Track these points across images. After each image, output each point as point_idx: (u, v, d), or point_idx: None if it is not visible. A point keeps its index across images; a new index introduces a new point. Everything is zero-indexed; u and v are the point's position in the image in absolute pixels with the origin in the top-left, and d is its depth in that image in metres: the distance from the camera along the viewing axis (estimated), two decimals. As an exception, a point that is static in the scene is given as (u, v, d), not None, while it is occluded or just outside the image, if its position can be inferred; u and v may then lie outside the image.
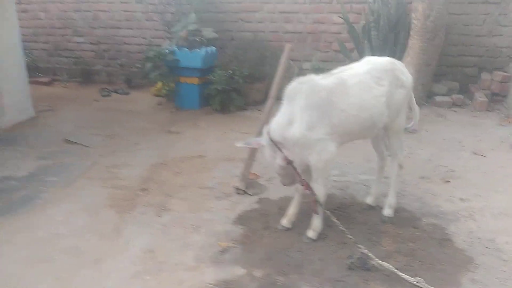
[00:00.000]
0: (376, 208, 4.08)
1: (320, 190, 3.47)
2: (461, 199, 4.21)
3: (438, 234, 3.66)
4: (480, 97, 6.62)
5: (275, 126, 3.41)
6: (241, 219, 3.94)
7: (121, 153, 5.56)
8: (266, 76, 7.31)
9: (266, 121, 4.42)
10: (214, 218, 3.98)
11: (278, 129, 3.38)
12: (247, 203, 4.24)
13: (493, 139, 5.62)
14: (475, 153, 5.24)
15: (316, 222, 3.57)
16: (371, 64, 3.55)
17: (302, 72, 8.08)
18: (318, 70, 7.79)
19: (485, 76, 6.91)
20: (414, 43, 6.50)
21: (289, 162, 3.47)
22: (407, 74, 3.68)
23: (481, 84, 6.93)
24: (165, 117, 7.02)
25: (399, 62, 3.73)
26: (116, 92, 8.48)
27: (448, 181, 4.57)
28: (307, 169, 3.55)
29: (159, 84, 7.74)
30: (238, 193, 4.40)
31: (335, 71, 3.58)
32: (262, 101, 7.43)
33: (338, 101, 3.33)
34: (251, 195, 4.36)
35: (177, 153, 5.50)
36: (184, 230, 3.80)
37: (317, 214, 3.52)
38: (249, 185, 4.45)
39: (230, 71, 6.93)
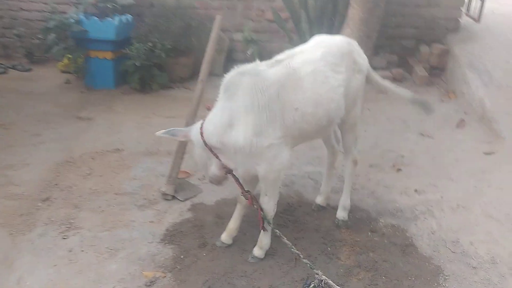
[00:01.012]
0: (327, 208, 3.56)
1: (269, 205, 2.86)
2: (416, 191, 3.83)
3: (399, 238, 3.23)
4: (420, 71, 6.33)
5: (210, 128, 2.69)
6: (171, 235, 3.21)
7: (17, 148, 4.50)
8: (193, 49, 6.44)
9: (196, 109, 3.68)
10: (136, 237, 3.21)
11: (215, 131, 2.67)
12: (177, 211, 3.50)
13: (437, 118, 5.31)
14: (422, 134, 4.92)
15: (264, 239, 2.95)
16: (324, 47, 2.90)
17: (233, 45, 7.36)
18: (251, 42, 7.09)
19: (423, 49, 6.62)
20: (354, 13, 5.96)
21: (229, 172, 2.79)
22: (363, 55, 3.10)
23: (419, 57, 6.64)
24: (74, 99, 5.92)
25: (354, 41, 3.12)
26: (14, 68, 7.06)
27: (400, 169, 4.18)
28: (252, 179, 2.90)
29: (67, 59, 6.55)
30: (166, 199, 3.64)
31: (281, 56, 2.89)
32: (190, 77, 6.61)
33: (290, 97, 2.68)
34: (181, 200, 3.62)
35: (87, 146, 4.55)
36: (97, 257, 3.00)
37: (265, 231, 2.88)
38: (178, 187, 3.70)
39: (150, 44, 5.95)
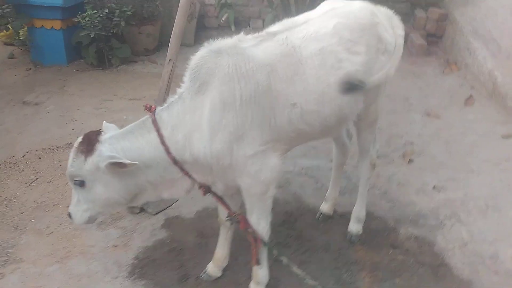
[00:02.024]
0: (334, 217, 2.91)
1: (260, 227, 2.13)
2: (435, 188, 3.23)
3: (427, 256, 2.63)
4: (417, 39, 5.65)
5: (180, 138, 1.91)
6: (141, 266, 2.49)
7: None
8: (159, 15, 5.53)
9: (164, 94, 2.90)
10: (96, 270, 2.47)
11: (187, 142, 1.90)
12: (148, 230, 2.77)
13: (441, 93, 4.72)
14: (428, 114, 4.30)
15: (260, 272, 2.26)
16: (338, 17, 2.13)
17: (204, 10, 6.46)
18: (225, 6, 6.18)
19: (419, 13, 5.93)
20: (346, -28, 5.17)
21: (208, 191, 2.07)
22: (392, 31, 2.31)
23: (415, 23, 5.95)
24: (19, 78, 4.97)
25: (383, 9, 2.36)
26: None
27: (411, 160, 3.56)
28: (233, 192, 2.20)
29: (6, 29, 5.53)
30: (133, 213, 2.89)
31: (275, 28, 2.13)
32: (156, 48, 5.71)
33: (285, 88, 1.94)
34: (152, 214, 2.88)
35: (33, 141, 3.71)
36: (43, 304, 2.26)
37: (259, 264, 2.20)
38: (148, 196, 2.95)
39: (107, 10, 4.99)
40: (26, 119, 4.11)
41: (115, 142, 1.90)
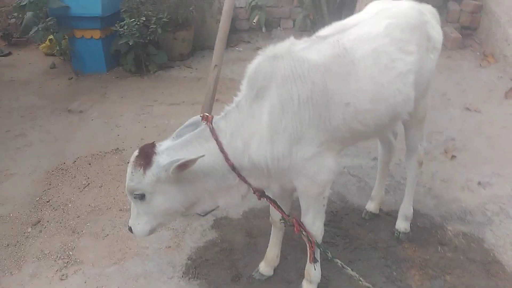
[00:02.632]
0: (380, 215, 2.93)
1: (315, 226, 2.18)
2: (480, 184, 3.20)
3: (477, 253, 2.61)
4: (452, 32, 5.57)
5: (239, 145, 1.95)
6: (195, 266, 2.58)
7: (-3, 153, 3.82)
8: (192, 20, 5.64)
9: (211, 101, 2.98)
10: (152, 270, 2.57)
11: (246, 149, 1.95)
12: (198, 231, 2.86)
13: (479, 87, 4.65)
14: (467, 109, 4.24)
15: (313, 271, 2.31)
16: (388, 18, 2.15)
17: (235, 12, 6.52)
18: (256, 8, 6.27)
19: (453, 6, 5.84)
20: (377, -32, 5.14)
21: (262, 195, 2.13)
22: (438, 27, 2.36)
23: (448, 16, 5.86)
24: (62, 88, 5.19)
25: (429, 7, 2.38)
26: (-11, 52, 6.30)
27: (454, 156, 3.52)
28: (289, 193, 2.26)
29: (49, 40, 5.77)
30: (183, 214, 2.98)
31: (326, 31, 2.16)
32: (191, 53, 5.85)
33: (339, 88, 1.96)
34: (201, 215, 2.97)
35: (82, 148, 3.87)
36: (105, 304, 2.38)
37: (315, 262, 2.24)
38: (196, 198, 3.04)
39: (143, 18, 5.15)
40: (72, 126, 4.29)
41: (172, 153, 1.94)
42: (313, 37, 2.13)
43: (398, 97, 2.08)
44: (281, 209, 2.20)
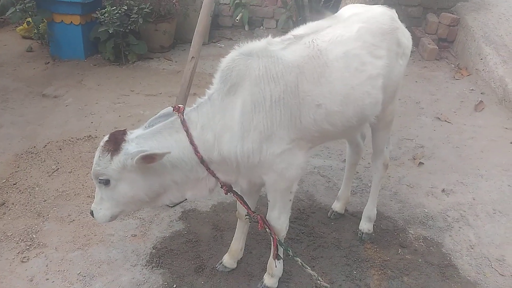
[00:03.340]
0: (345, 215, 3.00)
1: (280, 221, 2.23)
2: (444, 191, 3.30)
3: (435, 256, 2.70)
4: (429, 43, 5.71)
5: (210, 138, 1.98)
6: (159, 256, 2.59)
7: (-34, 134, 3.74)
8: (175, 13, 5.62)
9: (187, 92, 2.99)
10: (115, 257, 2.57)
11: (216, 142, 1.98)
12: (166, 221, 2.87)
13: (451, 98, 4.78)
14: (438, 118, 4.36)
15: (276, 266, 2.35)
16: (361, 22, 2.21)
17: (219, 9, 6.53)
18: (240, 5, 6.28)
19: (431, 18, 5.99)
20: (361, -25, 5.23)
21: (229, 190, 2.16)
22: (408, 34, 2.43)
23: (426, 27, 6.01)
24: (37, 71, 5.09)
25: (395, 13, 2.44)
26: (-37, 31, 6.13)
27: (421, 163, 3.63)
28: (256, 189, 2.31)
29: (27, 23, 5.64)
30: (151, 205, 2.99)
31: (301, 31, 2.19)
32: (171, 46, 5.82)
33: (312, 90, 2.00)
34: (170, 206, 2.98)
35: (54, 133, 3.82)
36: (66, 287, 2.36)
37: (278, 260, 2.28)
38: (165, 189, 3.05)
39: (125, 7, 5.10)
40: (46, 111, 4.22)
41: (142, 142, 1.95)
42: (289, 36, 2.16)
43: (367, 99, 2.14)
44: (247, 205, 2.23)
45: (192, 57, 2.97)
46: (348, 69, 2.09)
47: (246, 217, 2.28)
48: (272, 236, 2.19)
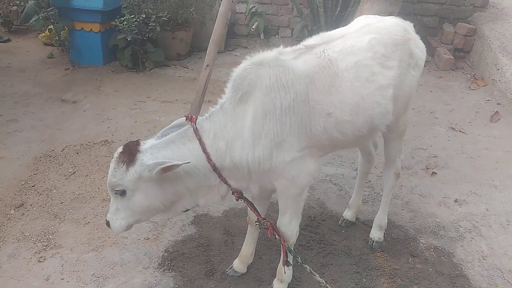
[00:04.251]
0: (356, 224, 3.00)
1: (290, 227, 2.25)
2: (457, 201, 3.28)
3: (446, 266, 2.69)
4: (445, 53, 5.69)
5: (222, 146, 2.02)
6: (171, 259, 2.64)
7: (-12, 137, 3.86)
8: (192, 21, 5.73)
9: (201, 99, 3.05)
10: (128, 260, 2.63)
11: (229, 150, 2.02)
12: (178, 225, 2.92)
13: (467, 108, 4.75)
14: (453, 129, 4.34)
15: (286, 272, 2.37)
16: (373, 33, 2.23)
17: (235, 18, 6.62)
18: (255, 15, 6.38)
19: (447, 28, 5.97)
20: (376, -14, 5.26)
21: (241, 197, 2.21)
22: (422, 45, 2.45)
23: (442, 37, 6.00)
24: (58, 77, 5.23)
25: (410, 25, 2.46)
26: (-12, 38, 6.33)
27: (434, 173, 3.61)
28: (267, 194, 2.34)
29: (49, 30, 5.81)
30: (164, 209, 3.04)
31: (313, 41, 2.22)
32: (188, 54, 5.92)
33: (322, 98, 2.03)
34: (182, 211, 3.02)
35: (72, 137, 3.92)
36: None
37: (288, 266, 2.31)
38: (178, 194, 3.10)
39: (143, 15, 5.22)
40: (64, 116, 4.33)
41: (156, 152, 1.99)
42: (301, 45, 2.19)
43: (377, 109, 2.16)
44: (257, 212, 2.27)
45: (207, 65, 3.04)
46: (359, 79, 2.11)
47: (256, 223, 2.32)
48: (282, 243, 2.21)
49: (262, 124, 1.97)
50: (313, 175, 2.15)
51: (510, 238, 2.94)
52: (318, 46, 2.15)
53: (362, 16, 2.47)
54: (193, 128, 2.03)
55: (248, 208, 2.32)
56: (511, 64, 5.00)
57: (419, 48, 2.39)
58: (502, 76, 4.98)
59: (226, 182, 2.09)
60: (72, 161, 3.54)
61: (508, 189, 3.42)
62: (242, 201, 2.24)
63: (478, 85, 5.28)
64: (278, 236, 2.21)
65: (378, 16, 2.42)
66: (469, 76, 5.54)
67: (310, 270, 2.23)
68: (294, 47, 2.17)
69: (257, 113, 1.97)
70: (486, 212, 3.18)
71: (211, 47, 3.04)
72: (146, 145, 2.04)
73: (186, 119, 2.08)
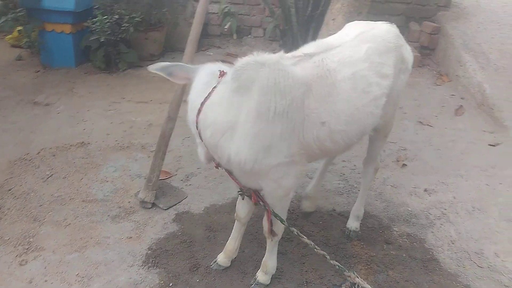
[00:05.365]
0: (334, 215, 3.13)
1: (277, 225, 2.35)
2: (426, 191, 3.46)
3: (418, 251, 2.84)
4: (412, 51, 5.88)
5: (210, 118, 2.04)
6: (155, 256, 2.68)
7: (-42, 141, 3.78)
8: (165, 22, 5.74)
9: (180, 99, 3.10)
10: (112, 259, 2.65)
11: (213, 127, 2.04)
12: (160, 223, 2.96)
13: (433, 103, 4.97)
14: (420, 122, 4.54)
15: (270, 262, 2.48)
16: (369, 41, 2.27)
17: (207, 18, 6.66)
18: (228, 15, 6.44)
19: (414, 26, 6.21)
20: (345, -14, 5.42)
21: (220, 165, 2.25)
22: (409, 49, 2.53)
23: (409, 36, 6.21)
24: (28, 80, 5.14)
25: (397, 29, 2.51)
26: (-49, 40, 6.15)
27: (405, 165, 3.78)
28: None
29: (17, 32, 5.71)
30: (145, 207, 3.08)
31: (311, 49, 2.25)
32: (161, 54, 5.93)
33: (318, 107, 2.07)
34: (164, 209, 3.08)
35: (46, 139, 3.88)
36: (64, 289, 2.44)
37: (274, 236, 2.40)
38: (159, 192, 3.14)
39: (116, 16, 5.21)
40: (38, 118, 4.28)
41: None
42: (300, 53, 2.22)
43: (370, 119, 2.24)
44: (238, 181, 2.25)
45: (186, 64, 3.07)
46: (355, 90, 2.15)
47: (239, 193, 2.37)
48: (267, 209, 2.26)
49: (253, 123, 1.97)
50: (300, 177, 2.20)
51: (475, 223, 3.12)
52: (317, 55, 2.17)
53: (353, 23, 2.53)
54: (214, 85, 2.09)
55: (237, 203, 2.44)
56: (473, 60, 5.26)
57: (408, 52, 2.48)
58: (465, 72, 5.23)
59: (207, 149, 2.15)
60: (48, 164, 3.52)
61: (472, 178, 3.62)
62: (222, 168, 2.25)
63: (443, 81, 5.53)
64: (262, 202, 2.25)
65: (370, 22, 2.48)
66: (434, 72, 5.78)
67: (297, 232, 2.27)
68: (293, 54, 2.21)
69: (250, 112, 1.97)
70: (454, 200, 3.36)
71: (189, 47, 3.09)
72: None
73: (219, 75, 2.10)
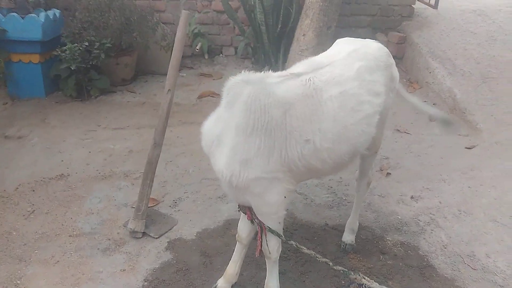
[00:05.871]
0: (327, 230, 3.13)
1: (271, 245, 2.30)
2: (413, 198, 3.53)
3: (413, 259, 2.88)
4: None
5: (206, 126, 2.23)
6: (151, 287, 2.60)
7: None
8: (135, 46, 5.67)
9: (165, 124, 3.05)
10: (107, 295, 2.55)
11: (206, 135, 2.21)
12: (153, 253, 2.88)
13: (407, 110, 5.07)
14: (398, 130, 4.65)
15: (271, 284, 2.44)
16: (360, 59, 2.29)
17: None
18: (198, 35, 6.45)
19: (380, 37, 6.40)
20: (313, 1, 5.54)
21: None
22: (396, 68, 2.58)
23: (377, 46, 6.40)
24: (-4, 113, 4.94)
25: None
26: None
27: (389, 173, 3.85)
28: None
29: (-20, 64, 5.49)
30: (135, 237, 2.99)
31: (301, 68, 2.28)
32: (133, 78, 5.85)
33: (300, 126, 2.08)
34: (155, 237, 3.00)
35: (23, 174, 3.73)
36: (60, 331, 2.32)
37: (268, 255, 2.37)
38: (148, 220, 3.06)
39: (86, 43, 5.10)
40: (11, 153, 4.11)
41: None
42: (287, 72, 2.24)
43: (362, 137, 2.24)
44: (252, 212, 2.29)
45: (169, 89, 3.05)
46: (343, 108, 2.15)
47: (238, 209, 2.40)
48: (261, 227, 2.24)
49: (231, 136, 2.05)
50: (286, 194, 2.16)
51: (464, 225, 3.20)
52: (306, 74, 2.19)
53: (343, 39, 2.57)
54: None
55: (239, 223, 2.45)
56: (441, 67, 5.46)
57: (396, 71, 2.53)
58: (434, 78, 5.42)
59: None
60: (28, 199, 3.37)
61: (455, 182, 3.72)
62: None
63: (414, 88, 5.70)
64: (257, 219, 2.25)
65: (360, 40, 2.52)
66: (405, 80, 5.95)
67: (296, 245, 2.30)
68: (280, 73, 2.23)
69: (230, 126, 2.06)
70: (440, 204, 3.44)
71: (171, 72, 3.06)
72: None
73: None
